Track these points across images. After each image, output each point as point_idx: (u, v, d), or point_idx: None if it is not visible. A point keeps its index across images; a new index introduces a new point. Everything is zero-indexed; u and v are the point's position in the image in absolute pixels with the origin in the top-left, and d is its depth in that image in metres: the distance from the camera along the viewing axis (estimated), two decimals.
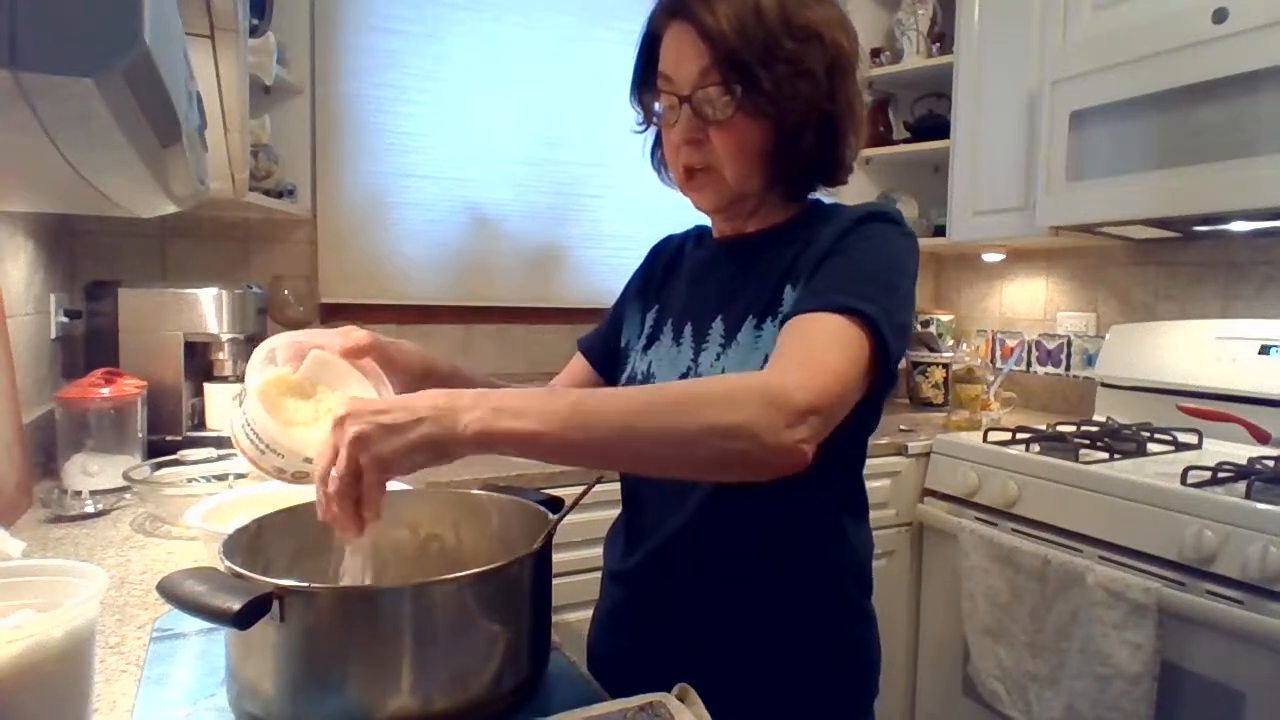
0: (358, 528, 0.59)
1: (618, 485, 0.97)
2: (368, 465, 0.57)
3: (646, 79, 0.87)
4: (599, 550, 1.02)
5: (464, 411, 0.59)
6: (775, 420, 0.62)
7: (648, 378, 0.91)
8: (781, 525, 0.84)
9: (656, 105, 0.85)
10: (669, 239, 1.04)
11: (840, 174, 0.87)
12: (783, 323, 0.76)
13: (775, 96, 0.77)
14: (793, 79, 0.78)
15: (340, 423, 0.58)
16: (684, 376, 0.86)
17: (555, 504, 0.77)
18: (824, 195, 0.90)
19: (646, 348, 0.94)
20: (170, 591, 0.55)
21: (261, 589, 0.54)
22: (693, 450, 0.63)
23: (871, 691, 0.90)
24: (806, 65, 0.78)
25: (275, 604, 0.54)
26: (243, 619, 0.52)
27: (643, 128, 0.90)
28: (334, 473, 0.58)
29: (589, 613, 1.01)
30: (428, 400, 0.60)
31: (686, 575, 0.87)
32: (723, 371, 0.82)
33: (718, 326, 0.86)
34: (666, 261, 1.00)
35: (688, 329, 0.90)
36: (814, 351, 0.68)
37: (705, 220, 0.96)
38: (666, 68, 0.82)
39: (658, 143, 0.92)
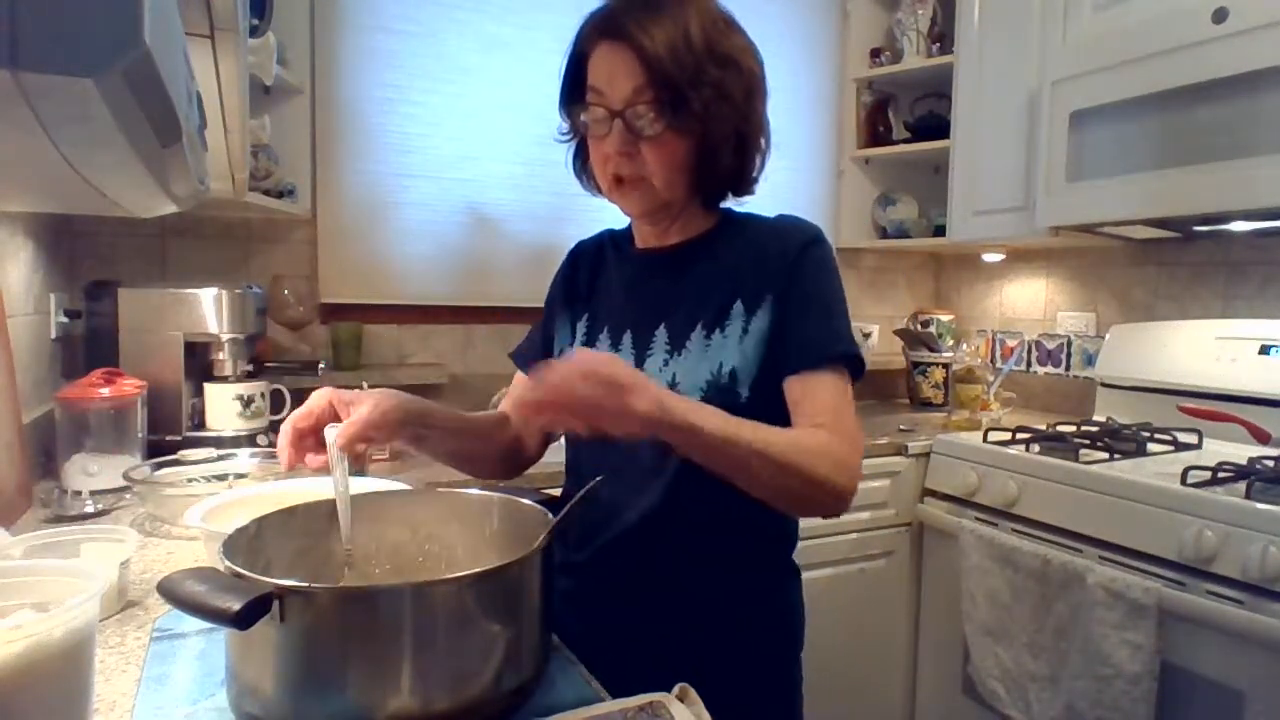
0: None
1: None
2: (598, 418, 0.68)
3: (573, 92, 0.93)
4: None
5: (667, 398, 0.72)
6: (848, 481, 0.82)
7: None
8: (726, 506, 0.89)
9: (583, 117, 0.90)
10: (585, 244, 1.10)
11: (750, 187, 0.97)
12: (746, 332, 0.89)
13: (702, 116, 0.85)
14: (717, 101, 0.86)
15: (626, 388, 0.69)
16: None
17: (554, 504, 0.78)
18: (733, 203, 0.99)
19: None
20: (170, 592, 0.55)
21: (261, 589, 0.54)
22: (787, 484, 0.80)
23: (800, 641, 1.00)
24: (727, 89, 0.86)
25: (275, 604, 0.54)
26: (243, 619, 0.52)
27: (567, 137, 0.98)
28: (579, 390, 0.68)
29: None
30: (663, 397, 0.72)
31: (640, 562, 0.93)
32: (674, 376, 0.91)
33: (661, 334, 0.94)
34: (588, 267, 1.06)
35: (627, 336, 0.96)
36: (844, 419, 0.85)
37: (614, 224, 1.05)
38: (597, 82, 0.88)
39: (579, 152, 1.00)
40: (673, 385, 0.90)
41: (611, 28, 0.86)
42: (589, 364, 0.69)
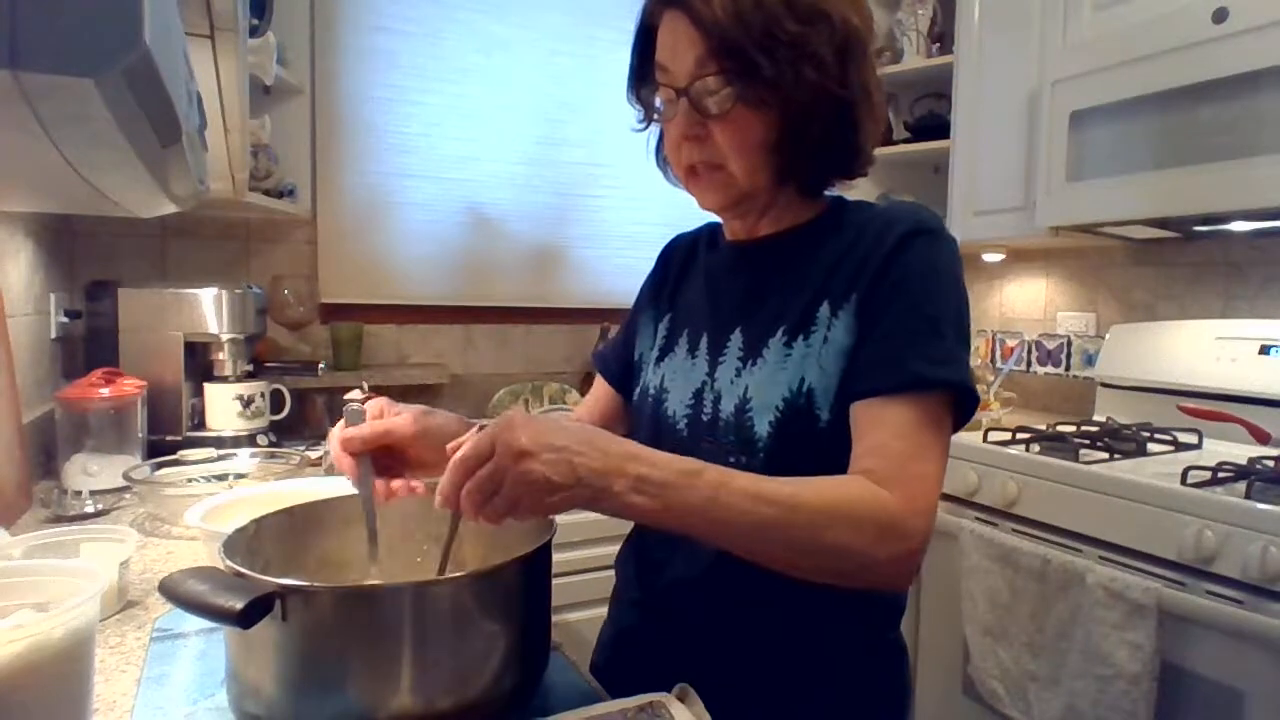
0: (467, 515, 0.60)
1: None
2: (508, 502, 0.58)
3: (643, 73, 0.81)
4: (599, 550, 1.01)
5: (620, 478, 0.60)
6: (891, 550, 0.65)
7: (661, 392, 0.86)
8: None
9: (656, 100, 0.80)
10: (680, 239, 0.98)
11: (859, 166, 0.80)
12: (826, 340, 0.74)
13: (777, 84, 0.71)
14: (796, 64, 0.71)
15: (520, 453, 0.58)
16: (699, 392, 0.82)
17: None
18: (843, 190, 0.85)
19: (660, 359, 0.89)
20: (172, 591, 0.55)
21: (264, 588, 0.54)
22: (808, 564, 0.65)
23: None
24: (812, 48, 0.71)
25: (277, 603, 0.54)
26: (246, 618, 0.52)
27: (643, 126, 0.84)
28: (478, 478, 0.58)
29: (589, 613, 1.00)
30: (585, 460, 0.60)
31: (704, 609, 0.81)
32: (745, 390, 0.77)
33: (736, 339, 0.81)
34: (680, 264, 0.95)
35: (704, 341, 0.84)
36: (908, 464, 0.67)
37: (716, 217, 0.90)
38: (663, 59, 0.77)
39: (661, 140, 0.86)
40: (744, 401, 0.76)
41: None
42: (491, 432, 0.59)
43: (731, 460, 0.75)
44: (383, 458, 0.77)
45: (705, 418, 0.80)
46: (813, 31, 0.72)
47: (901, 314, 0.71)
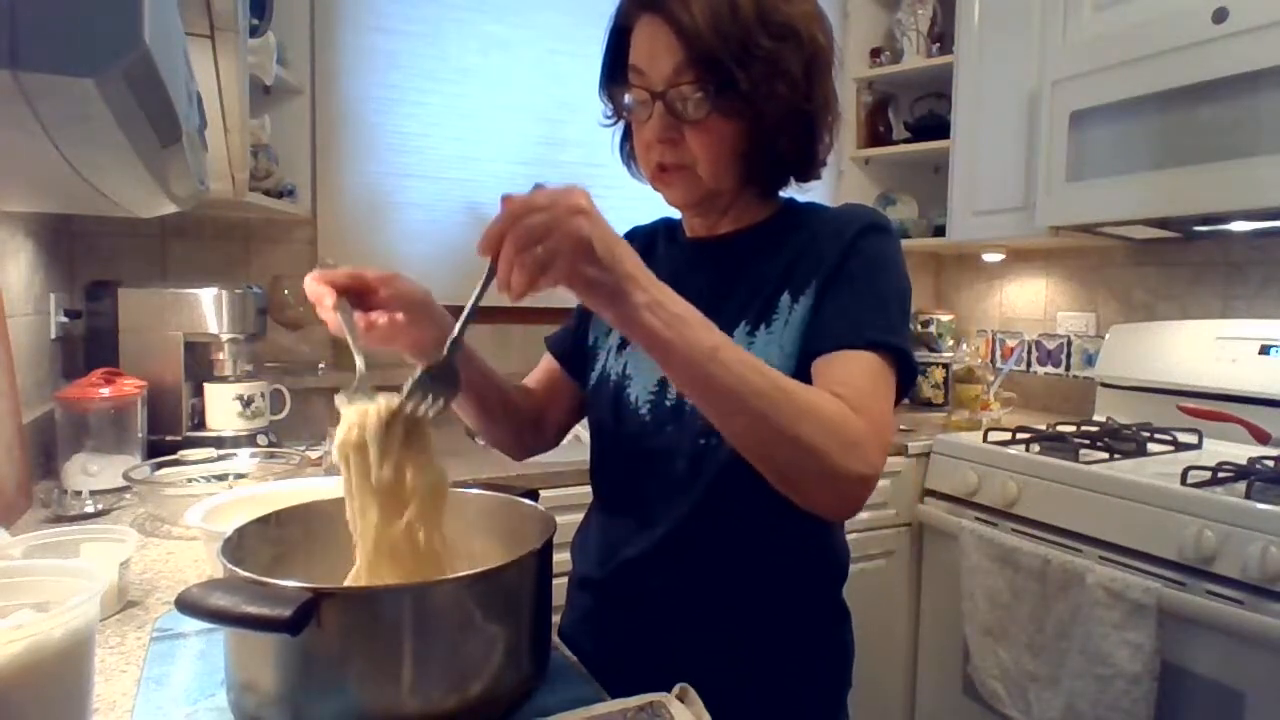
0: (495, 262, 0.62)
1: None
2: (549, 254, 0.58)
3: (615, 71, 0.84)
4: None
5: (642, 291, 0.62)
6: (853, 466, 0.66)
7: (623, 379, 0.89)
8: (765, 536, 0.82)
9: (626, 98, 0.82)
10: (637, 230, 1.01)
11: (814, 171, 0.87)
12: (786, 323, 0.79)
13: (751, 97, 0.76)
14: (769, 79, 0.76)
15: (576, 209, 0.59)
16: (663, 380, 0.85)
17: (532, 494, 0.78)
18: (795, 191, 0.91)
19: (621, 348, 0.92)
20: (196, 606, 0.53)
21: (297, 595, 0.53)
22: (778, 452, 0.66)
23: (847, 684, 0.92)
24: (784, 65, 0.76)
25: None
26: (296, 625, 0.52)
27: (611, 121, 0.89)
28: (529, 221, 0.58)
29: None
30: (624, 256, 0.62)
31: (664, 586, 0.85)
32: None
33: None
34: (638, 253, 0.98)
35: None
36: (870, 399, 0.71)
37: (672, 212, 0.95)
38: (638, 61, 0.79)
39: (626, 136, 0.91)
40: None
41: None
42: (553, 189, 0.60)
43: (701, 441, 0.81)
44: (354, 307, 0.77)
45: (669, 403, 0.84)
46: (785, 48, 0.76)
47: (857, 293, 0.77)
